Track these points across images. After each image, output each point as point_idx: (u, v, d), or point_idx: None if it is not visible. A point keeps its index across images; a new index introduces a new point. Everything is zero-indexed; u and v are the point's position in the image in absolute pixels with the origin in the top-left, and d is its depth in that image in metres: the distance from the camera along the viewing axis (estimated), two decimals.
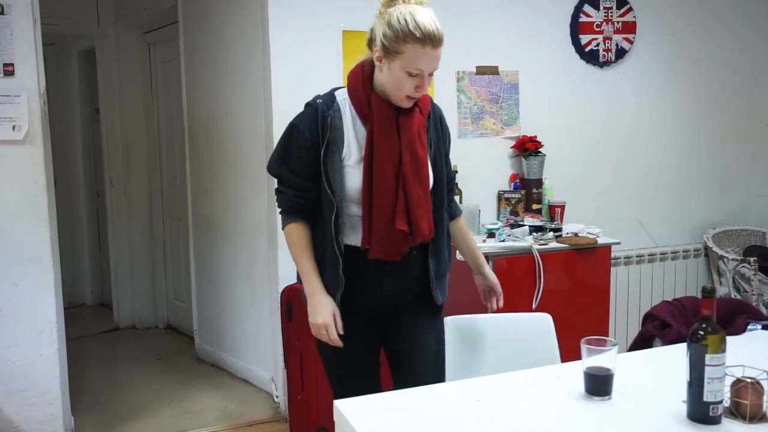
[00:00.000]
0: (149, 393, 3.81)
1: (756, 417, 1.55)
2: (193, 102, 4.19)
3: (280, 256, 3.37)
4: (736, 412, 1.56)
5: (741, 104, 4.42)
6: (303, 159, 1.83)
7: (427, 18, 1.69)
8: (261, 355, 3.80)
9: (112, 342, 4.78)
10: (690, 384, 1.55)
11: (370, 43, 1.80)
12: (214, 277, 4.16)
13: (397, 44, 1.69)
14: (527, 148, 3.73)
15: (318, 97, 1.85)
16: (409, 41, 1.67)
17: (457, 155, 3.64)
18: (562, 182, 3.87)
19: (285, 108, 3.30)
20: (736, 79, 4.39)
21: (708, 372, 1.51)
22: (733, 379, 1.58)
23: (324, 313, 1.83)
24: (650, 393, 1.74)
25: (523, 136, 3.79)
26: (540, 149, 3.75)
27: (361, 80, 1.80)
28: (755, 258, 3.93)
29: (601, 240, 3.38)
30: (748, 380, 1.56)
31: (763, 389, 1.56)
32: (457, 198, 2.22)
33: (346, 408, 1.65)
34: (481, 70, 3.73)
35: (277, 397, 3.57)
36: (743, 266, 4.00)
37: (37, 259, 2.96)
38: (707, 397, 1.52)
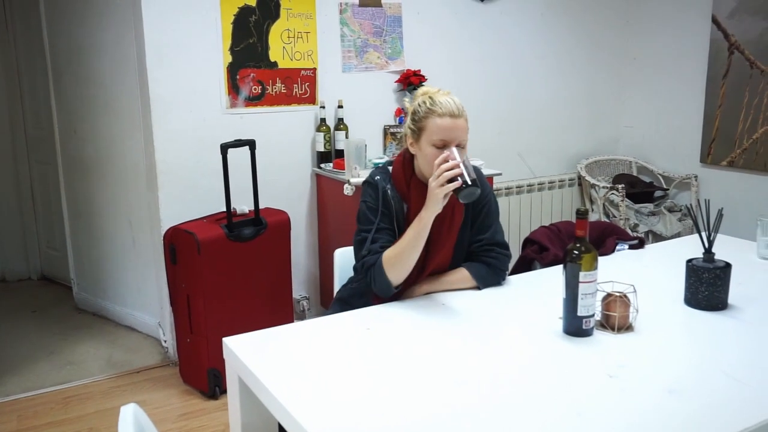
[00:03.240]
0: (26, 347, 3.60)
1: (623, 327, 1.67)
2: (56, 35, 3.85)
3: (161, 198, 3.24)
4: (606, 324, 1.68)
5: (611, 39, 4.63)
6: (382, 220, 1.96)
7: (444, 97, 1.91)
8: (146, 301, 3.67)
9: None
10: (565, 300, 1.64)
11: (404, 139, 2.01)
12: (91, 223, 3.94)
13: (420, 122, 1.90)
14: (411, 82, 3.74)
15: (375, 173, 2.02)
16: (429, 116, 1.88)
17: (341, 90, 3.64)
18: None
19: (158, 39, 3.12)
20: (607, 14, 4.57)
21: (582, 288, 1.60)
22: (604, 294, 1.70)
23: (438, 194, 1.79)
24: (529, 312, 1.83)
25: (408, 70, 3.79)
26: (424, 83, 3.77)
27: (402, 165, 2.00)
28: (623, 185, 4.20)
29: (484, 171, 3.47)
30: (617, 294, 1.68)
31: (630, 302, 1.68)
32: (488, 263, 2.05)
33: (234, 344, 1.63)
34: (364, 2, 3.66)
35: (165, 342, 3.48)
36: (612, 193, 4.27)
37: None
38: (581, 311, 1.62)
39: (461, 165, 1.78)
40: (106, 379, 3.25)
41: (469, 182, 1.76)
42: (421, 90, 1.97)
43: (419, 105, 1.91)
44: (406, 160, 2.01)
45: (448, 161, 1.79)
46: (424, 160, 1.90)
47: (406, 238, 1.86)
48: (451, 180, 1.76)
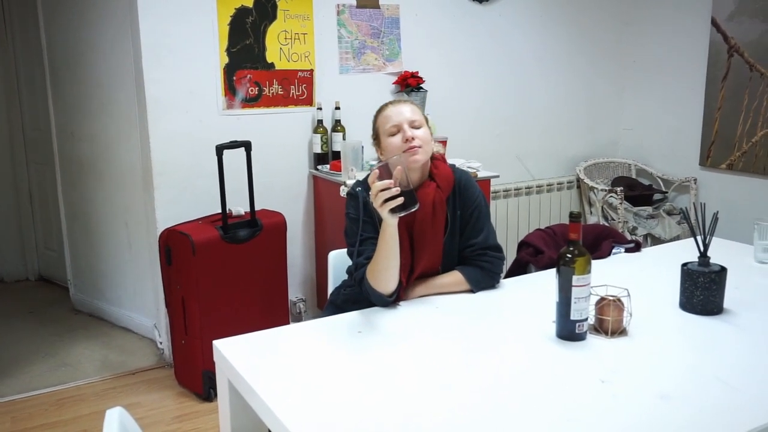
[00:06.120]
0: (21, 348, 3.59)
1: (617, 331, 1.66)
2: (53, 36, 3.85)
3: (157, 199, 3.23)
4: (599, 328, 1.67)
5: (610, 42, 4.61)
6: (365, 229, 1.94)
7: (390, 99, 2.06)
8: (142, 302, 3.66)
9: None
10: (559, 304, 1.63)
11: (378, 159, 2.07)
12: (88, 224, 3.93)
13: (375, 128, 2.04)
14: (409, 83, 3.73)
15: (357, 184, 2.02)
16: (378, 116, 2.03)
17: (339, 91, 3.63)
18: (443, 118, 3.91)
19: (154, 40, 3.11)
20: (606, 17, 4.56)
21: (575, 292, 1.59)
22: (598, 297, 1.68)
23: (382, 214, 1.77)
24: (523, 316, 1.82)
25: (405, 71, 3.78)
26: (422, 85, 3.75)
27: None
28: (622, 188, 4.18)
29: (482, 174, 3.46)
30: (611, 298, 1.66)
31: (624, 306, 1.66)
32: (484, 268, 2.02)
33: (224, 347, 1.61)
34: (362, 4, 3.65)
35: (160, 343, 3.47)
36: (611, 196, 4.25)
37: None
38: (574, 315, 1.61)
39: (395, 183, 1.71)
40: (101, 380, 3.24)
41: (401, 202, 1.70)
42: None
43: (373, 119, 2.05)
44: None
45: (382, 177, 1.73)
46: (390, 154, 1.95)
47: (378, 250, 1.84)
48: (390, 198, 1.70)
